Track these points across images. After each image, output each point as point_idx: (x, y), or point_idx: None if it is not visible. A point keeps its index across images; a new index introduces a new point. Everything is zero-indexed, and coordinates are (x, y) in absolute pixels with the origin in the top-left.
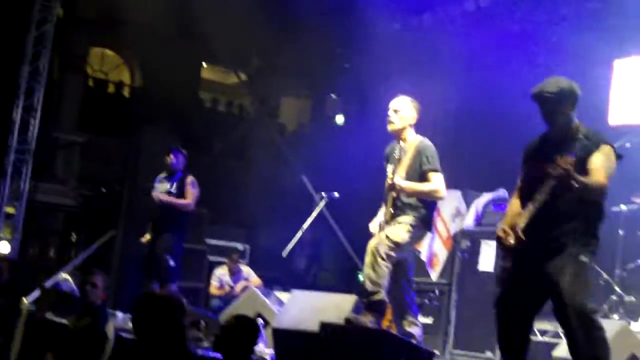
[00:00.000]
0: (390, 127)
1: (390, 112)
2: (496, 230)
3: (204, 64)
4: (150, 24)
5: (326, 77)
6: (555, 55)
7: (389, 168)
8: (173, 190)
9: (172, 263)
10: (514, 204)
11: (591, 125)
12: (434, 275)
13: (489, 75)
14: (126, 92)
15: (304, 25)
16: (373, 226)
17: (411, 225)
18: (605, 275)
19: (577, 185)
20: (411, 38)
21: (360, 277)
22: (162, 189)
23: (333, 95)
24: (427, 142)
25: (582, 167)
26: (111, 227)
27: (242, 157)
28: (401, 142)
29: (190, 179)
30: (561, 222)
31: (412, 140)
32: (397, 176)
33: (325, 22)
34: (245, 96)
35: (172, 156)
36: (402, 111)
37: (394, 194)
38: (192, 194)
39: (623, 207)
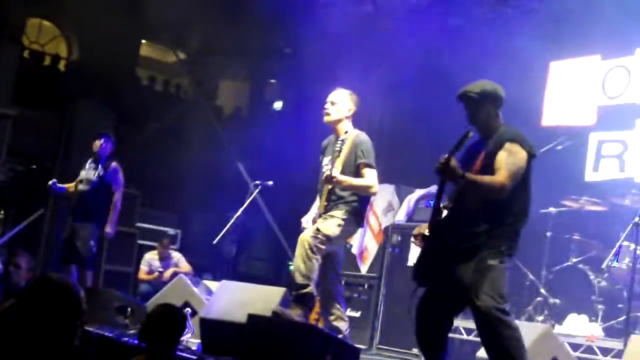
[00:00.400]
0: (326, 119)
1: (327, 104)
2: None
3: (143, 40)
4: None
5: (266, 61)
6: (491, 55)
7: (325, 160)
8: (95, 178)
9: (93, 249)
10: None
11: (524, 125)
12: (364, 268)
13: (425, 71)
14: (62, 66)
15: (246, 7)
16: (306, 220)
17: (343, 219)
18: (531, 277)
19: (461, 181)
20: (353, 28)
21: (291, 268)
22: (86, 180)
23: (272, 80)
24: (363, 136)
25: (492, 163)
26: (41, 205)
27: (178, 139)
28: (338, 135)
29: (114, 166)
30: (473, 226)
31: (349, 134)
32: (334, 168)
33: (267, 6)
34: (184, 76)
35: (101, 141)
36: (339, 103)
37: (329, 186)
38: (119, 185)
39: (552, 209)
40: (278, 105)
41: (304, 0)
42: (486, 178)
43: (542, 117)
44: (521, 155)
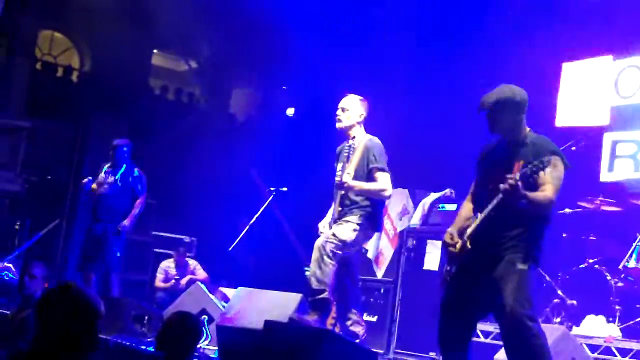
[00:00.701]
0: (338, 125)
1: (339, 111)
2: (445, 234)
3: (154, 50)
4: (101, 7)
5: (277, 69)
6: (504, 56)
7: (338, 166)
8: (119, 183)
9: (117, 254)
10: (465, 208)
11: (537, 127)
12: (380, 273)
13: (439, 76)
14: (75, 77)
15: (255, 14)
16: (322, 225)
17: (358, 224)
18: (548, 278)
19: (523, 201)
20: (361, 36)
21: (307, 274)
22: (107, 184)
23: (284, 87)
24: (375, 140)
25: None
26: (57, 215)
27: (191, 147)
28: (350, 140)
29: (138, 170)
30: (505, 231)
31: (361, 139)
32: (346, 174)
33: (276, 14)
34: (196, 85)
35: (120, 146)
36: (350, 109)
37: (342, 192)
38: (144, 189)
39: (568, 210)
40: (290, 111)
41: (312, 9)
42: (540, 195)
43: (555, 117)
44: (561, 168)
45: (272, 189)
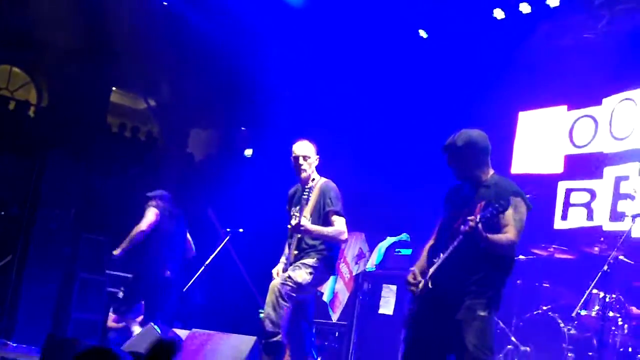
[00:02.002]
0: (303, 175)
1: (301, 160)
2: (408, 273)
3: (113, 87)
4: (60, 43)
5: (236, 109)
6: (462, 103)
7: (294, 210)
8: None
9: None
10: (429, 247)
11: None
12: (335, 316)
13: (397, 121)
14: (32, 112)
15: (214, 55)
16: (276, 270)
17: (314, 267)
18: (501, 324)
19: (483, 243)
20: (319, 79)
21: (261, 316)
22: None
23: (243, 128)
24: (331, 183)
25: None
26: (9, 251)
27: (148, 186)
28: (305, 183)
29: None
30: (468, 273)
31: (316, 182)
32: (303, 217)
33: (236, 57)
34: (154, 123)
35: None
36: (310, 157)
37: (299, 235)
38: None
39: (522, 257)
40: (248, 152)
41: (272, 52)
42: (502, 237)
43: (511, 165)
44: (523, 209)
45: (228, 229)
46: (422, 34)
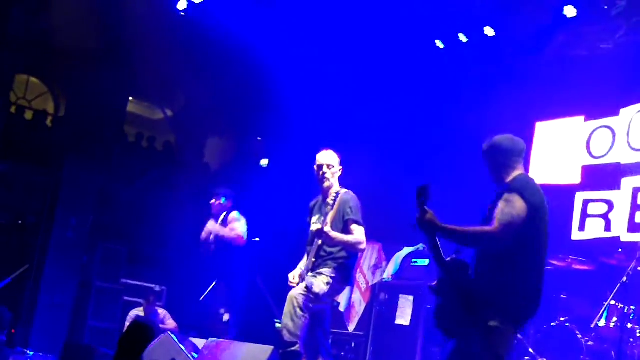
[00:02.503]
0: (325, 184)
1: (325, 168)
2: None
3: (130, 97)
4: (77, 53)
5: (253, 119)
6: (480, 114)
7: (315, 218)
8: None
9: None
10: None
11: None
12: (351, 327)
13: (414, 131)
14: (49, 122)
15: (232, 64)
16: (292, 275)
17: (331, 277)
18: (519, 336)
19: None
20: (338, 89)
21: (278, 326)
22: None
23: (259, 139)
24: (351, 193)
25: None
26: (27, 260)
27: (165, 196)
28: (327, 194)
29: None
30: (475, 280)
31: (338, 193)
32: (325, 223)
33: (254, 66)
34: (171, 133)
35: (220, 200)
36: (334, 167)
37: (319, 241)
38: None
39: None
40: (265, 162)
41: (289, 63)
42: (473, 228)
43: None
44: (517, 204)
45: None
46: (439, 44)
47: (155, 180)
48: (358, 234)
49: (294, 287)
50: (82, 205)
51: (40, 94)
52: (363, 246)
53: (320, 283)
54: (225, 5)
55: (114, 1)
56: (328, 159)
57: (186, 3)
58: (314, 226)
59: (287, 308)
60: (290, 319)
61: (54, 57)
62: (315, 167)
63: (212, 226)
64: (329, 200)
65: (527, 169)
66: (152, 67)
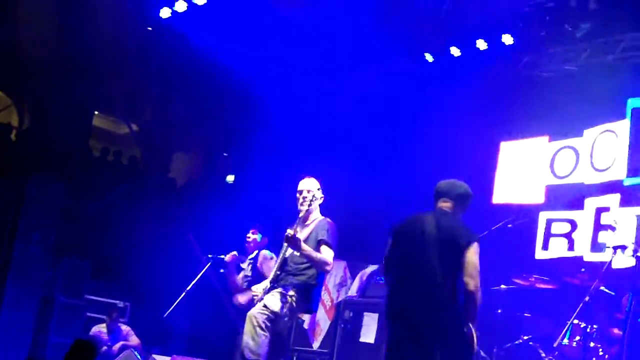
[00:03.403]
0: (303, 208)
1: (305, 193)
2: None
3: (95, 112)
4: (43, 66)
5: (219, 135)
6: (445, 134)
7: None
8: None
9: None
10: None
11: (475, 203)
12: (316, 344)
13: (379, 150)
14: (13, 136)
15: (200, 83)
16: (255, 288)
17: (289, 295)
18: (482, 354)
19: None
20: (303, 109)
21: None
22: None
23: (225, 155)
24: (330, 221)
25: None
26: None
27: (129, 211)
28: (306, 221)
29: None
30: None
31: (317, 218)
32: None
33: (216, 81)
34: (136, 148)
35: (256, 235)
36: (316, 194)
37: (286, 254)
38: None
39: (503, 286)
40: (230, 178)
41: (255, 80)
42: None
43: (493, 194)
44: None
45: (209, 255)
46: (428, 58)
47: (120, 195)
48: (326, 254)
49: (259, 298)
50: (46, 220)
51: (5, 107)
52: (329, 268)
53: (277, 300)
54: (193, 20)
55: (79, 15)
56: (309, 185)
57: (170, 11)
58: (289, 230)
59: (247, 327)
60: (250, 338)
61: (18, 70)
62: (297, 193)
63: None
64: (308, 223)
65: (491, 189)
66: (118, 81)
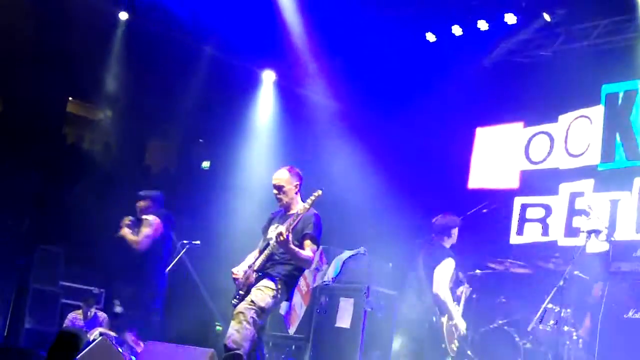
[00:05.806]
0: (280, 204)
1: (275, 191)
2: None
3: (70, 98)
4: (16, 50)
5: (194, 122)
6: (421, 120)
7: (273, 227)
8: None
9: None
10: None
11: (451, 188)
12: (292, 330)
13: (354, 136)
14: None
15: (174, 67)
16: (236, 269)
17: (276, 289)
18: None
19: None
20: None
21: (218, 329)
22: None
23: (201, 141)
24: (317, 214)
25: None
26: None
27: (104, 197)
28: (289, 209)
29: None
30: None
31: (303, 209)
32: (289, 233)
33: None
34: (111, 135)
35: (146, 202)
36: (286, 185)
37: (275, 249)
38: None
39: (478, 271)
40: (206, 164)
41: (231, 66)
42: None
43: (468, 180)
44: None
45: (185, 242)
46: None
47: (94, 182)
48: (309, 251)
49: (237, 279)
50: (19, 207)
51: None
52: (310, 265)
53: (266, 297)
54: (169, 7)
55: (52, 0)
56: (278, 179)
57: (127, 15)
58: (276, 229)
59: (234, 321)
60: (236, 330)
61: None
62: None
63: None
64: (292, 213)
65: (467, 174)
66: (92, 67)
